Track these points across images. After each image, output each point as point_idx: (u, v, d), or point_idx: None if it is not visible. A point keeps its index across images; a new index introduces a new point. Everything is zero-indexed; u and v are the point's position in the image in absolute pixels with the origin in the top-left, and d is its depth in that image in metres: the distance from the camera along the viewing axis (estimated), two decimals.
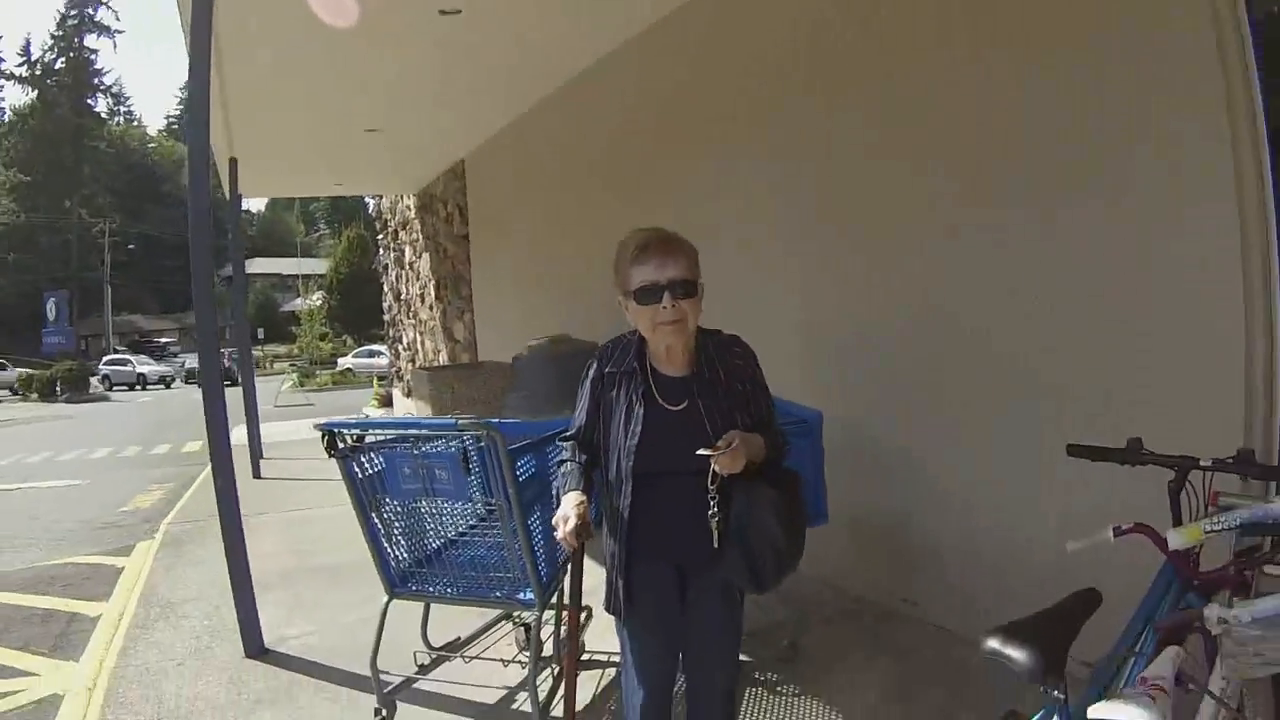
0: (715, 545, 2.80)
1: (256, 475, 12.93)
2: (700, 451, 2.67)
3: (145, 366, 52.07)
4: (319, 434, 4.24)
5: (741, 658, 4.83)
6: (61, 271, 72.29)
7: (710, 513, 2.77)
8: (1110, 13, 4.07)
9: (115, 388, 49.32)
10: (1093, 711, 2.23)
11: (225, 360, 31.59)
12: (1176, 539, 2.47)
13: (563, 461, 3.10)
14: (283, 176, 17.22)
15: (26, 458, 20.87)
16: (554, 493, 3.08)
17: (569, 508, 2.84)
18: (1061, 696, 2.26)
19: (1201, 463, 2.70)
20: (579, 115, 9.85)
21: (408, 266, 19.07)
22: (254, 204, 33.43)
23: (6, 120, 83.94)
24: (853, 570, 6.03)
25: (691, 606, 3.00)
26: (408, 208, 18.61)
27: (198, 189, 5.79)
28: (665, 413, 2.89)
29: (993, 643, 2.29)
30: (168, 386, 49.98)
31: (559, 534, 2.81)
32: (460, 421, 4.06)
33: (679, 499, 2.87)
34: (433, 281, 16.85)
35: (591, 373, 3.05)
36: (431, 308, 17.13)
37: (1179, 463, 2.75)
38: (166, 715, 4.97)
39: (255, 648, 5.76)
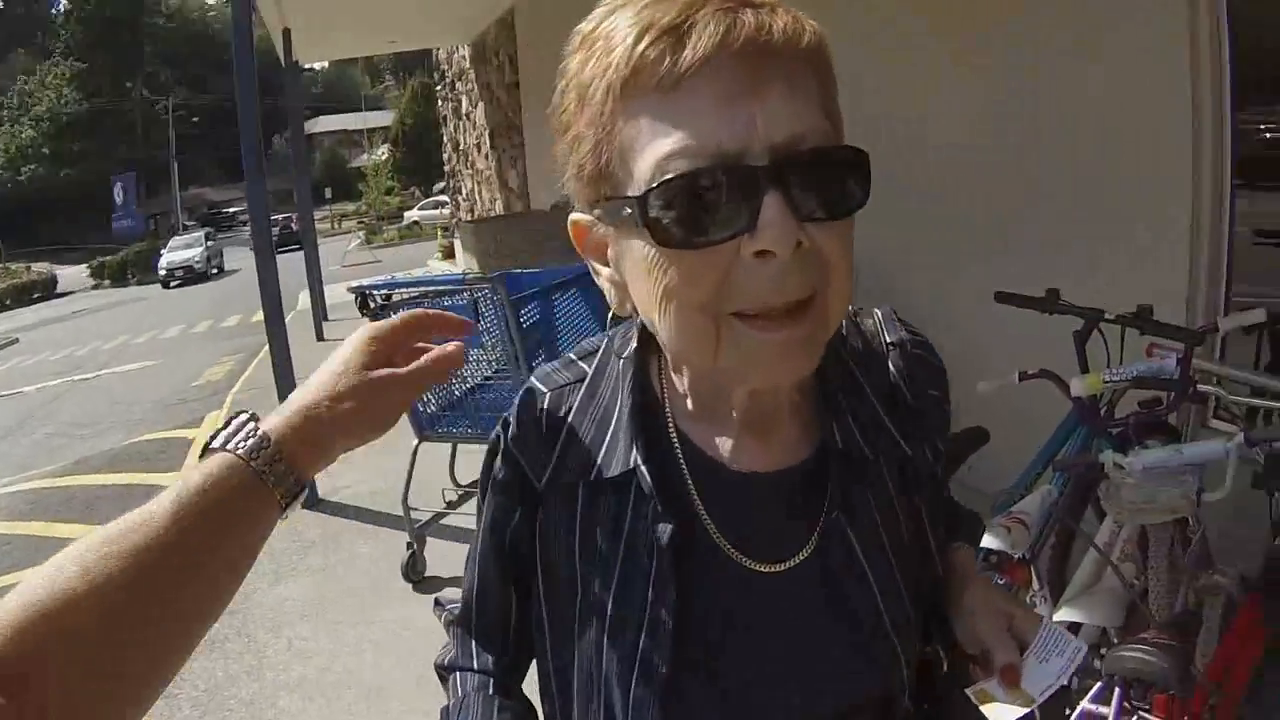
0: None
1: (320, 338, 13.65)
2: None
3: (178, 252, 42.20)
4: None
5: None
6: (128, 154, 73.75)
7: None
8: None
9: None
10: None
11: (293, 225, 31.96)
12: (1079, 386, 2.65)
13: (455, 682, 1.17)
14: (337, 40, 17.65)
15: (102, 345, 22.24)
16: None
17: None
18: None
19: (1107, 315, 2.83)
20: None
21: (465, 117, 19.56)
22: (318, 62, 33.20)
23: (62, 9, 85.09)
24: None
25: None
26: (463, 58, 19.00)
27: (243, 63, 6.36)
28: (745, 583, 0.98)
29: None
30: (210, 274, 41.09)
31: None
32: (468, 275, 4.63)
33: None
34: (488, 131, 17.29)
35: (500, 480, 1.11)
36: (487, 157, 17.60)
37: (1087, 314, 2.88)
38: None
39: (310, 499, 6.39)
